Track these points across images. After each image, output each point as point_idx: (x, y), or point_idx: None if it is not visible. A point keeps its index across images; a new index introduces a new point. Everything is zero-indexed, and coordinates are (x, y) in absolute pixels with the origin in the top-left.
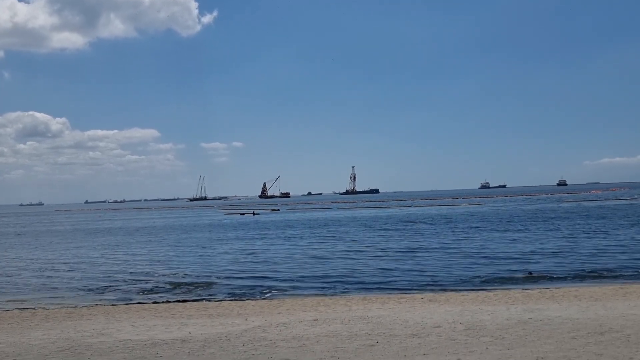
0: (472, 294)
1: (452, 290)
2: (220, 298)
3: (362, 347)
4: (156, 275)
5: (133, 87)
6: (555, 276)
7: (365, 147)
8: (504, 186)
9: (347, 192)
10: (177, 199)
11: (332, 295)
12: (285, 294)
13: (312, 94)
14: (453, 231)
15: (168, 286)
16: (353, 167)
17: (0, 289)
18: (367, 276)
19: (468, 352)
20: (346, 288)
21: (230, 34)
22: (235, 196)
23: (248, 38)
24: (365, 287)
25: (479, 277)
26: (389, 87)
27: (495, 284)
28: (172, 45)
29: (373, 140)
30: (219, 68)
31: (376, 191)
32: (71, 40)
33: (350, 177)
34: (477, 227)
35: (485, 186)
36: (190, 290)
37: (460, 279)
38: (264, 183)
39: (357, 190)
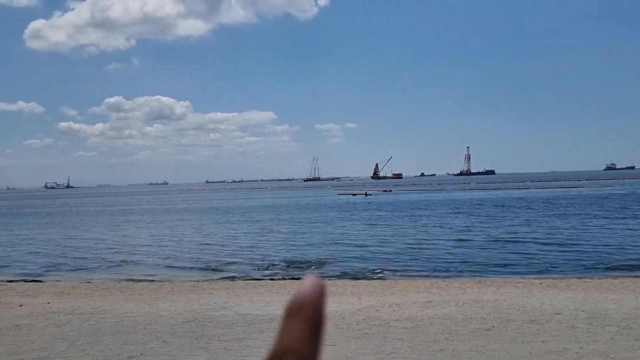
0: (596, 281)
1: (572, 277)
2: (334, 276)
3: (477, 331)
4: (272, 252)
5: (252, 70)
6: None
7: (481, 128)
8: (632, 167)
9: (461, 173)
10: (292, 179)
11: (445, 277)
12: (397, 275)
13: (425, 74)
14: (579, 215)
15: (283, 264)
16: (468, 147)
17: (131, 263)
18: (479, 260)
19: (591, 341)
20: (460, 271)
21: (345, 17)
22: (348, 177)
23: (362, 20)
24: (479, 270)
25: (602, 264)
26: (506, 66)
27: (622, 272)
28: (289, 29)
29: (489, 121)
30: (333, 50)
31: (492, 172)
32: (195, 27)
33: (465, 158)
34: (605, 211)
35: (611, 167)
36: (304, 268)
37: (583, 265)
38: (376, 164)
39: (472, 171)
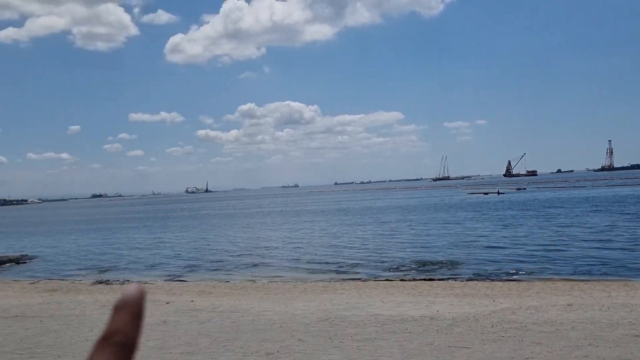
0: None
1: None
2: (466, 278)
3: (625, 337)
4: (401, 253)
5: (378, 71)
6: None
7: (625, 119)
8: None
9: (602, 169)
10: (421, 179)
11: (587, 280)
12: (534, 276)
13: (559, 65)
14: None
15: (414, 264)
16: (609, 141)
17: (265, 263)
18: (624, 261)
19: None
20: (604, 273)
21: (472, 11)
22: (478, 175)
23: (490, 13)
24: (623, 272)
25: None
26: None
27: None
28: (415, 28)
29: (635, 111)
30: (460, 46)
31: (638, 167)
32: (322, 32)
33: (607, 152)
34: None
35: None
36: (435, 269)
37: None
38: (509, 161)
39: (615, 166)
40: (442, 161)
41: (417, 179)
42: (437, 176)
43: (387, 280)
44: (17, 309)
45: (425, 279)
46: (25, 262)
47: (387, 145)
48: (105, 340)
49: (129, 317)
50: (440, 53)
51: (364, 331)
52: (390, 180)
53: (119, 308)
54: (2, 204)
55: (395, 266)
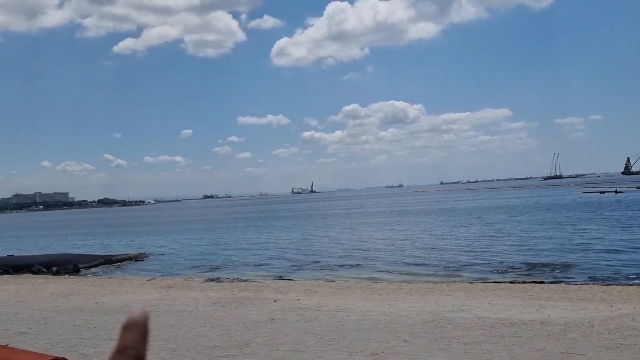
0: None
1: None
2: (580, 281)
3: None
4: (510, 255)
5: (484, 68)
6: None
7: None
8: None
9: None
10: (530, 177)
11: None
12: None
13: None
14: None
15: (523, 267)
16: None
17: (369, 263)
18: None
19: None
20: None
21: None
22: (594, 173)
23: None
24: None
25: None
26: None
27: None
28: (523, 21)
29: None
30: (572, 38)
31: None
32: (426, 30)
33: None
34: None
35: None
36: (547, 271)
37: None
38: (627, 158)
39: None
40: (553, 159)
41: (527, 178)
42: (548, 175)
43: (495, 282)
44: (137, 304)
45: (535, 282)
46: (143, 260)
47: (494, 143)
48: (120, 354)
49: (139, 335)
50: (550, 46)
51: (470, 334)
52: (498, 180)
53: (128, 327)
54: (122, 205)
55: (503, 268)
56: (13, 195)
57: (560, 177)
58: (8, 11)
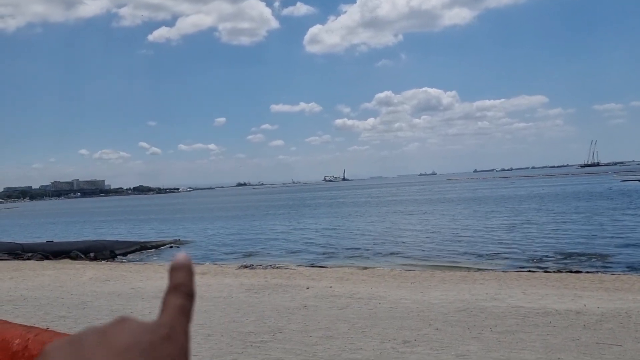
0: None
1: None
2: (618, 271)
3: None
4: (543, 243)
5: (520, 54)
6: None
7: None
8: None
9: None
10: (567, 165)
11: None
12: None
13: None
14: None
15: (558, 255)
16: None
17: (401, 251)
18: None
19: None
20: None
21: None
22: (633, 161)
23: None
24: None
25: None
26: None
27: None
28: (560, 4)
29: None
30: (613, 21)
31: None
32: (461, 15)
33: None
34: None
35: None
36: (583, 261)
37: None
38: None
39: None
40: (591, 146)
41: (563, 166)
42: (586, 162)
43: (529, 271)
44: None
45: (571, 271)
46: (177, 247)
47: (530, 130)
48: (174, 290)
49: (187, 274)
50: (589, 30)
51: (504, 323)
52: (533, 167)
53: (176, 268)
54: (157, 192)
55: (537, 258)
56: (52, 183)
57: (598, 164)
58: (47, 2)
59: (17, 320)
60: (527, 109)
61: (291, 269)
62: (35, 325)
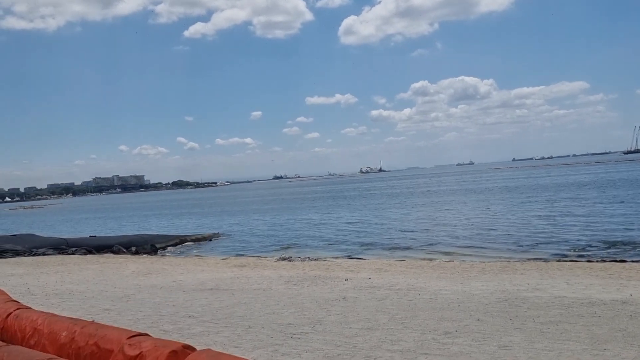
0: None
1: None
2: None
3: None
4: (588, 233)
5: (560, 39)
6: None
7: None
8: None
9: None
10: (609, 152)
11: None
12: None
13: None
14: None
15: (602, 245)
16: None
17: (440, 242)
18: None
19: None
20: None
21: None
22: None
23: None
24: None
25: None
26: None
27: None
28: None
29: None
30: None
31: None
32: (497, 2)
33: None
34: None
35: None
36: (627, 250)
37: None
38: None
39: None
40: (634, 132)
41: (605, 153)
42: (629, 149)
43: (572, 261)
44: (212, 282)
45: (615, 261)
46: (216, 240)
47: (570, 117)
48: None
49: None
50: (630, 14)
51: (547, 313)
52: (573, 155)
53: None
54: (195, 187)
55: (580, 246)
56: (93, 179)
57: None
58: (86, 1)
59: (64, 313)
60: (567, 96)
61: (329, 260)
62: (81, 318)
